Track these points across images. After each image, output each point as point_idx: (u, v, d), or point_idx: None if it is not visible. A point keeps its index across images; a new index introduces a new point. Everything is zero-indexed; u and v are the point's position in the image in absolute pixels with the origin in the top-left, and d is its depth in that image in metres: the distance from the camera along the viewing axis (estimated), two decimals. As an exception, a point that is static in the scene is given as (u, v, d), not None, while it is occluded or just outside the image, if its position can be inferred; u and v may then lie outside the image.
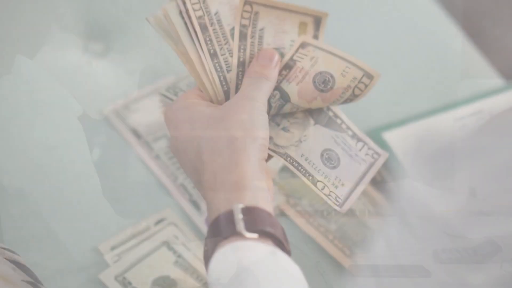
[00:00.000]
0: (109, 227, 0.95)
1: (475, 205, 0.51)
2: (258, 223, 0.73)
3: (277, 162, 0.91)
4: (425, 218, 0.52)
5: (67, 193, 0.97)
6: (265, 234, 0.73)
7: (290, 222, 0.95)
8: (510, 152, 0.52)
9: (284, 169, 0.98)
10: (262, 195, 0.75)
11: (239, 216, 0.72)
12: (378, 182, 0.98)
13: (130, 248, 0.93)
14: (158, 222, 0.95)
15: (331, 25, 0.99)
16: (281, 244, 0.74)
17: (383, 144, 0.99)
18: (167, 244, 0.93)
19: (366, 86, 0.81)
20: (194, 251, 0.92)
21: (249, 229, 0.72)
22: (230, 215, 0.73)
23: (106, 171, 0.99)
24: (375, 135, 1.00)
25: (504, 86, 1.06)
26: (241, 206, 0.73)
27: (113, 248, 0.93)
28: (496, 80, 1.09)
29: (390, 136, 1.01)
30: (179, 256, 0.92)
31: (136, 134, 1.01)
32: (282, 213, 0.96)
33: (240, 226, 0.72)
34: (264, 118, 0.78)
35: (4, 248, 0.89)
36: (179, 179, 0.97)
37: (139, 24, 1.09)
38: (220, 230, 0.73)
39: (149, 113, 1.02)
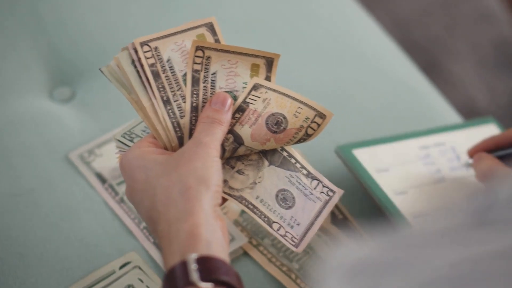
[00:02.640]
0: (75, 271, 0.95)
1: None
2: (212, 272, 0.73)
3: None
4: None
5: (33, 239, 0.97)
6: (220, 283, 0.73)
7: (253, 262, 0.95)
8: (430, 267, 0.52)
9: (245, 209, 0.99)
10: (216, 243, 0.75)
11: (193, 267, 0.73)
12: (339, 220, 0.98)
13: (96, 293, 0.93)
14: (123, 265, 0.95)
15: (293, 63, 1.00)
16: None
17: (353, 159, 1.00)
18: (132, 287, 0.94)
19: (319, 125, 0.82)
20: (159, 294, 0.93)
21: (204, 278, 0.73)
22: (184, 266, 0.73)
23: (71, 215, 0.99)
24: (346, 151, 1.01)
25: (462, 124, 1.08)
26: (194, 256, 0.73)
27: (78, 293, 0.93)
28: (454, 117, 1.11)
29: (360, 153, 1.02)
30: (145, 299, 0.93)
31: (101, 178, 1.02)
32: (245, 254, 0.96)
33: (194, 276, 0.72)
34: (218, 164, 0.78)
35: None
36: (143, 223, 0.98)
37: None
38: (175, 281, 0.73)
39: (113, 158, 1.02)
